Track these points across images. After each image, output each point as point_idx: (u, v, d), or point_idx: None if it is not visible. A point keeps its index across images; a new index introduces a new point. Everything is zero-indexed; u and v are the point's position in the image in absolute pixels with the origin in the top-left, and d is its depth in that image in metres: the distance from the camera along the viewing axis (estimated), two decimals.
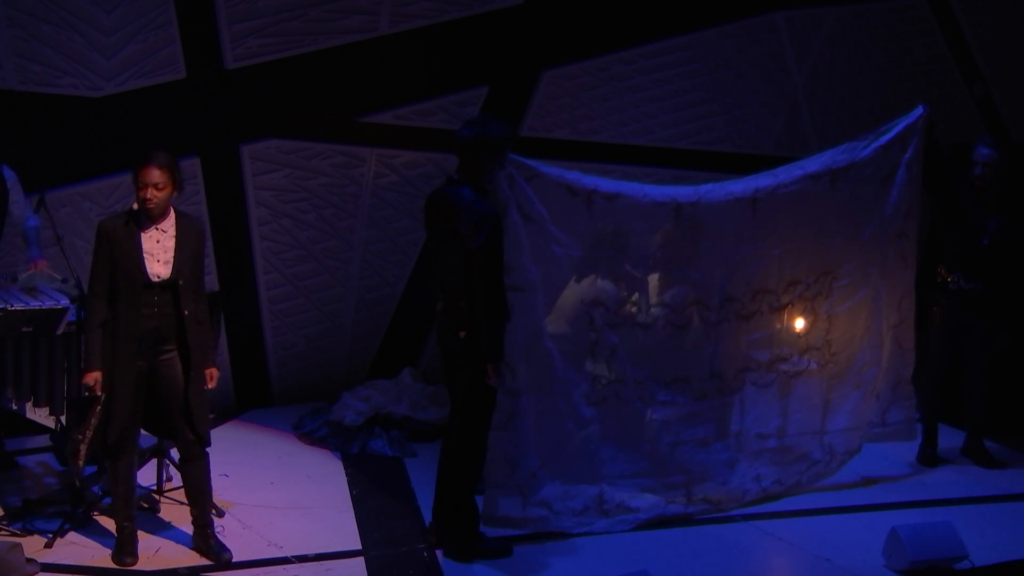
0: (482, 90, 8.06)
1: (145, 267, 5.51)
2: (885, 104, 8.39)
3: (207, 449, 5.78)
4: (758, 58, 8.66)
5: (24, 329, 6.06)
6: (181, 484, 6.37)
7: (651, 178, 8.24)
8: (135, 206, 5.57)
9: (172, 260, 5.55)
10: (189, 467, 5.79)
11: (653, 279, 6.51)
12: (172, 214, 5.62)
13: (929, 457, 7.43)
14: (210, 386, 5.72)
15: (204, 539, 5.84)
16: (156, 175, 5.48)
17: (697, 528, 6.41)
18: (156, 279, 5.53)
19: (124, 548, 5.75)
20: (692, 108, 8.60)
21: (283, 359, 8.16)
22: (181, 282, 5.55)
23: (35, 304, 6.12)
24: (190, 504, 5.88)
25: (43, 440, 7.01)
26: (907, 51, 8.97)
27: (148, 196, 5.48)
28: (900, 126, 6.89)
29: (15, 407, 6.35)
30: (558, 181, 6.15)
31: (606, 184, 6.32)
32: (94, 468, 6.45)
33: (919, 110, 6.93)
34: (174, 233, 5.58)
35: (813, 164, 6.78)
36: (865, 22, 8.83)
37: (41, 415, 6.57)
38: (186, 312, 5.57)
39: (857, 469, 7.14)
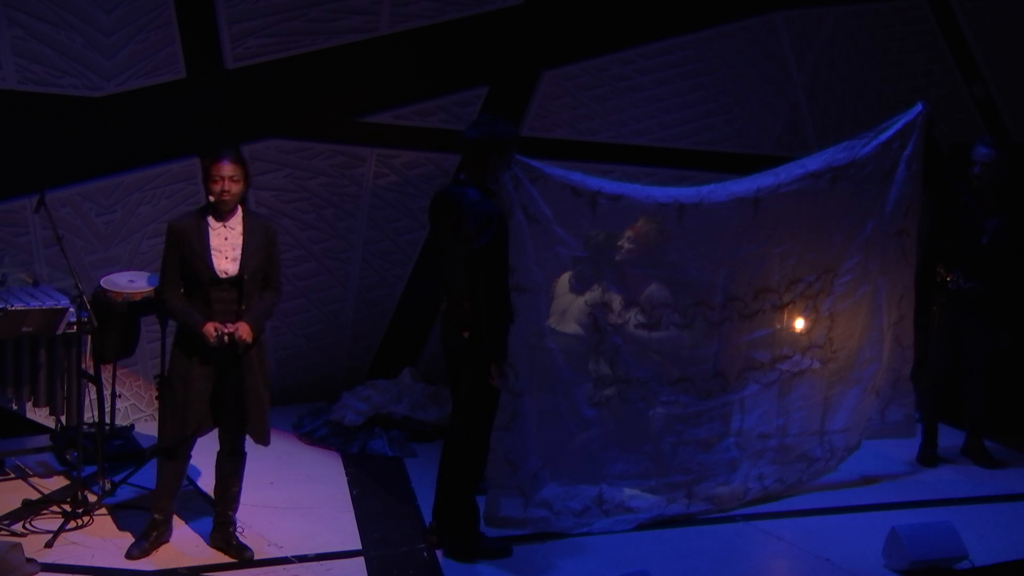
0: (482, 90, 8.06)
1: (213, 263, 5.57)
2: (885, 104, 8.39)
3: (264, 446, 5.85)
4: (758, 58, 8.66)
5: (24, 329, 6.06)
6: (186, 484, 6.39)
7: (652, 178, 8.25)
8: (211, 199, 5.58)
9: (239, 257, 5.60)
10: (225, 462, 5.84)
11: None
12: (240, 211, 5.67)
13: (929, 457, 7.43)
14: (241, 335, 5.59)
15: (226, 537, 5.88)
16: (230, 168, 5.54)
17: (697, 528, 6.42)
18: (223, 275, 5.58)
19: (140, 543, 5.77)
20: (692, 108, 8.60)
21: (283, 359, 8.16)
22: (246, 278, 5.61)
23: (35, 304, 6.12)
24: (216, 500, 5.92)
25: (43, 440, 7.00)
26: (907, 51, 8.97)
27: (225, 188, 5.53)
28: (899, 123, 6.90)
29: (15, 407, 6.35)
30: (562, 182, 6.16)
31: (610, 185, 6.33)
32: (94, 468, 6.45)
33: (918, 107, 6.94)
34: (241, 230, 5.64)
35: (814, 163, 6.79)
36: (865, 22, 8.83)
37: (41, 415, 6.58)
38: (244, 309, 5.62)
39: (857, 468, 7.15)
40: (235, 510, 5.93)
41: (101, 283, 6.36)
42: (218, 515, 5.92)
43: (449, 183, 5.92)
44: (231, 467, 5.85)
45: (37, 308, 6.09)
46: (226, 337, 5.54)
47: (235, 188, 5.56)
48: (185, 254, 5.59)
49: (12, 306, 6.03)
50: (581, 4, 8.19)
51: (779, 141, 8.80)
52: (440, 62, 7.96)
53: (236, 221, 5.65)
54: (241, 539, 5.91)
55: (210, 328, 5.53)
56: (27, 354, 6.12)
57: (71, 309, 6.14)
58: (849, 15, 8.78)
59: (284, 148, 7.75)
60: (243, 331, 5.58)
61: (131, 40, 7.19)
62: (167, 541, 5.90)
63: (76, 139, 7.24)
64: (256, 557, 5.86)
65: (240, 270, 5.61)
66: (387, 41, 7.78)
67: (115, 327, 6.31)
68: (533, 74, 8.17)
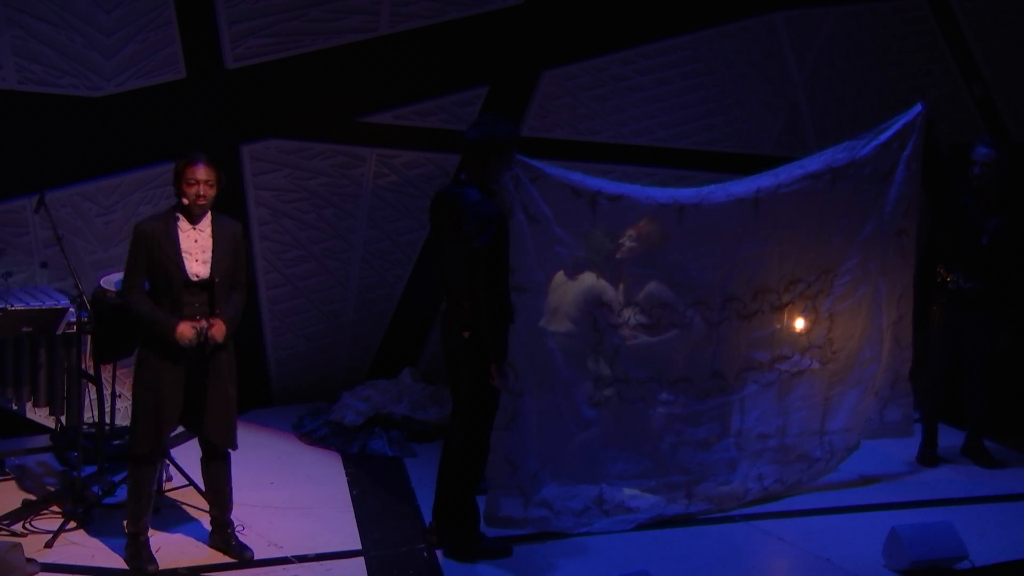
0: (482, 90, 8.06)
1: (185, 266, 5.53)
2: (885, 104, 8.39)
3: (231, 451, 5.83)
4: (758, 58, 8.66)
5: (24, 329, 6.06)
6: (183, 484, 6.39)
7: (652, 178, 8.24)
8: (185, 201, 5.54)
9: (210, 259, 5.58)
10: (210, 466, 5.83)
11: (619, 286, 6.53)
12: (208, 213, 5.65)
13: (929, 457, 7.43)
14: (214, 333, 5.59)
15: (225, 538, 5.87)
16: (204, 172, 5.52)
17: (697, 528, 6.41)
18: (195, 278, 5.55)
19: (141, 555, 5.69)
20: (692, 108, 8.61)
21: (283, 359, 8.16)
22: (218, 280, 5.59)
23: (35, 304, 6.12)
24: (209, 504, 5.91)
25: (43, 440, 7.00)
26: (907, 51, 8.97)
27: (201, 193, 5.51)
28: (899, 123, 6.90)
29: (15, 407, 6.35)
30: (563, 182, 6.16)
31: (610, 186, 6.34)
32: (94, 468, 6.45)
33: (918, 107, 6.94)
34: (211, 232, 5.61)
35: (814, 163, 6.79)
36: (865, 22, 8.83)
37: (41, 415, 6.58)
38: (218, 311, 5.60)
39: (857, 468, 7.14)
40: (230, 511, 5.91)
41: (101, 283, 6.36)
42: (214, 518, 5.91)
43: (449, 183, 5.92)
44: (217, 471, 5.83)
45: (37, 308, 6.09)
46: (203, 335, 5.52)
47: (210, 192, 5.54)
48: (155, 256, 5.51)
49: (12, 306, 6.04)
50: (581, 4, 8.20)
51: (779, 141, 8.80)
52: (440, 62, 7.96)
53: (205, 223, 5.62)
54: (241, 539, 5.90)
55: (186, 327, 5.50)
56: (27, 354, 6.13)
57: (71, 309, 6.14)
58: (849, 15, 8.78)
59: (284, 148, 7.75)
60: (217, 329, 5.56)
61: (131, 40, 7.19)
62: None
63: (76, 139, 7.24)
64: (256, 557, 5.85)
65: (211, 273, 5.58)
66: (387, 41, 7.79)
67: (115, 327, 6.30)
68: (533, 74, 8.17)
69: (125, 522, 5.76)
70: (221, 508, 5.87)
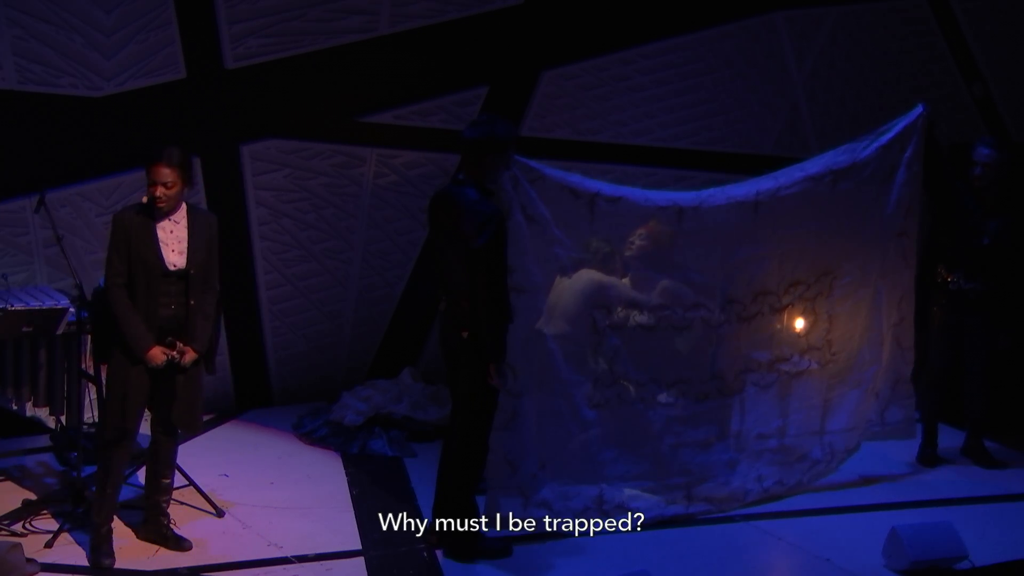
0: (482, 90, 8.06)
1: (163, 256, 5.56)
2: (885, 104, 8.40)
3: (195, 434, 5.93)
4: (758, 58, 8.67)
5: (24, 329, 6.07)
6: (183, 484, 6.38)
7: (651, 178, 8.25)
8: (145, 199, 5.59)
9: (186, 250, 5.61)
10: (161, 449, 5.83)
11: (624, 280, 6.54)
12: (184, 206, 5.68)
13: (929, 457, 7.43)
14: (185, 361, 5.68)
15: (162, 529, 5.86)
16: (166, 174, 5.52)
17: (697, 528, 6.41)
18: (172, 268, 5.59)
19: (102, 548, 5.69)
20: (692, 108, 8.61)
21: (283, 359, 8.16)
22: (193, 272, 5.63)
23: (35, 304, 6.12)
24: (147, 488, 5.87)
25: (43, 440, 7.01)
26: (907, 51, 8.98)
27: (159, 195, 5.53)
28: (900, 125, 6.90)
29: (15, 407, 6.35)
30: (561, 183, 6.16)
31: (609, 188, 6.33)
32: (94, 468, 6.44)
33: (919, 109, 6.94)
34: (186, 224, 5.65)
35: (814, 165, 6.79)
36: (865, 22, 8.84)
37: (41, 415, 6.58)
38: (192, 302, 5.65)
39: (857, 469, 7.14)
40: (168, 500, 5.91)
41: (101, 283, 6.36)
42: (150, 506, 5.86)
43: (448, 183, 5.92)
44: (166, 452, 5.84)
45: (37, 308, 6.09)
46: (173, 361, 5.60)
47: (170, 193, 5.55)
48: (134, 246, 5.55)
49: (12, 306, 6.04)
50: (581, 4, 8.20)
51: (779, 141, 8.80)
52: (440, 62, 7.96)
53: (180, 215, 5.66)
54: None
55: (156, 353, 5.56)
56: (27, 354, 6.13)
57: (71, 309, 6.14)
58: (849, 15, 8.78)
59: (284, 148, 7.75)
60: (188, 357, 5.65)
61: (131, 40, 7.19)
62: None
63: (76, 139, 7.24)
64: (256, 557, 5.85)
65: (188, 264, 5.63)
66: (387, 41, 7.79)
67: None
68: (533, 74, 8.17)
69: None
70: (160, 493, 5.84)
